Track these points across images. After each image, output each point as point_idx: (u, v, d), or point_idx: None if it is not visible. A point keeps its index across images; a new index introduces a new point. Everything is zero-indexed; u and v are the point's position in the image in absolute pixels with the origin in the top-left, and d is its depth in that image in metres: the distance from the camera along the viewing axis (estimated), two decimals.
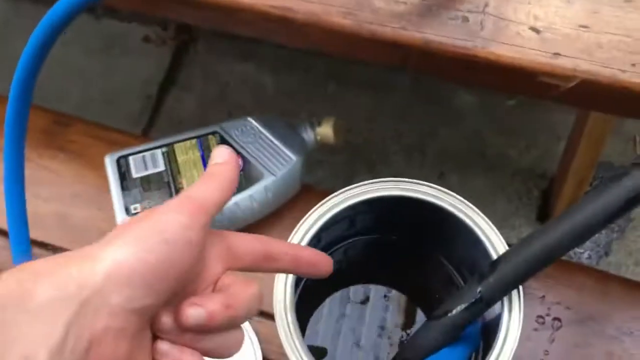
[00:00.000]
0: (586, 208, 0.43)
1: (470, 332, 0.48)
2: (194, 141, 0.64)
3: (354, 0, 0.56)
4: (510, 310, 0.45)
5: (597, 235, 1.16)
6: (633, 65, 0.53)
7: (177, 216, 0.34)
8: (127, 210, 0.61)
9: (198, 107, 1.37)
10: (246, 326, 0.57)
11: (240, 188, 0.61)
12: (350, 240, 0.55)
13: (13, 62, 0.49)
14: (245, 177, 0.62)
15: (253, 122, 0.65)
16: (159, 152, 0.64)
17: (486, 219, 0.48)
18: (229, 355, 0.36)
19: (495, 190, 1.27)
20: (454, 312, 0.45)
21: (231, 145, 0.64)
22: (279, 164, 0.63)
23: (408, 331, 0.55)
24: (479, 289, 0.44)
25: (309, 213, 0.48)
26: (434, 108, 1.34)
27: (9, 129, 0.50)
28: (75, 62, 1.41)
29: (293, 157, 0.63)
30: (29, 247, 0.54)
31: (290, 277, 0.46)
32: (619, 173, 0.43)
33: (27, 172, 0.53)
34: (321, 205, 0.48)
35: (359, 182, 0.49)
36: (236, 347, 0.36)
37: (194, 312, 0.33)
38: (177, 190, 0.62)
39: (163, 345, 0.34)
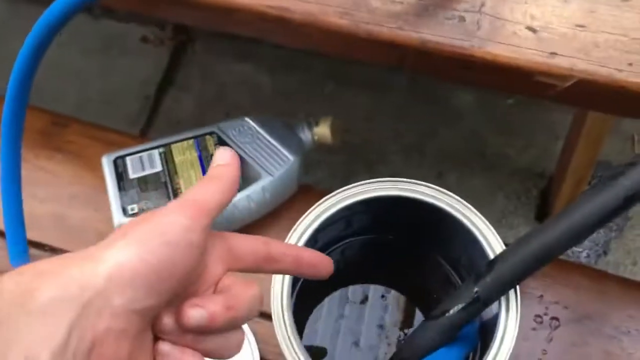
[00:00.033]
0: (583, 207, 0.43)
1: (468, 332, 0.48)
2: (191, 141, 0.64)
3: (350, 0, 0.56)
4: (507, 310, 0.45)
5: (595, 234, 1.17)
6: (630, 64, 0.53)
7: (178, 218, 0.34)
8: (124, 211, 0.61)
9: (196, 108, 1.37)
10: (244, 326, 0.57)
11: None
12: (347, 241, 0.55)
13: (10, 63, 0.49)
14: (243, 178, 0.62)
15: (250, 122, 0.65)
16: (156, 152, 0.64)
17: (483, 218, 0.48)
18: (230, 356, 0.36)
19: (493, 189, 1.27)
20: (451, 312, 0.45)
21: (229, 146, 0.64)
22: (276, 164, 0.63)
23: (407, 331, 0.55)
24: (476, 289, 0.44)
25: (306, 214, 0.48)
26: (433, 108, 1.34)
27: (5, 130, 0.50)
28: (73, 63, 1.41)
29: (290, 157, 0.63)
30: (26, 247, 0.54)
31: (287, 277, 0.46)
32: (617, 172, 0.43)
33: (24, 173, 0.53)
34: (318, 205, 0.48)
35: (357, 182, 0.49)
36: (237, 348, 0.36)
37: (195, 313, 0.33)
38: (174, 191, 0.62)
39: (164, 346, 0.34)
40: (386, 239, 0.55)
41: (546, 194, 1.26)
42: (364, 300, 0.56)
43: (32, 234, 0.55)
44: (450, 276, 0.54)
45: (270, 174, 0.62)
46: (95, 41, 1.45)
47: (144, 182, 0.62)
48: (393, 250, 0.56)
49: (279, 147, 0.64)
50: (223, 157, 0.39)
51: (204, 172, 0.63)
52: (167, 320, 0.34)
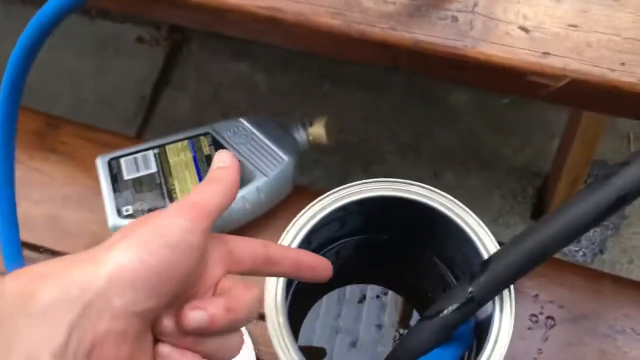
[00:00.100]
0: (577, 206, 0.43)
1: (463, 332, 0.48)
2: (185, 142, 0.64)
3: (342, 0, 0.56)
4: (501, 310, 0.45)
5: (591, 233, 1.17)
6: (622, 64, 0.53)
7: (178, 220, 0.34)
8: (119, 212, 0.61)
9: (192, 108, 1.37)
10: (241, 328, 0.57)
11: None
12: (342, 242, 0.55)
13: (2, 64, 0.49)
14: None
15: (245, 122, 0.65)
16: (150, 153, 0.64)
17: (477, 218, 0.48)
18: (229, 358, 0.36)
19: (490, 188, 1.27)
20: (446, 312, 0.45)
21: (223, 147, 0.64)
22: (270, 164, 0.63)
23: (404, 330, 0.55)
24: (470, 289, 0.44)
25: (299, 215, 0.48)
26: (429, 107, 1.34)
27: None
28: (68, 64, 1.41)
29: (285, 157, 0.63)
30: (20, 249, 0.54)
31: (281, 279, 0.46)
32: (611, 171, 0.43)
33: (18, 174, 0.53)
34: (311, 206, 0.48)
35: (353, 182, 0.49)
36: (236, 349, 0.36)
37: (195, 315, 0.33)
38: (169, 192, 0.62)
39: (164, 348, 0.34)
40: (380, 239, 0.55)
41: (542, 193, 1.26)
42: (362, 299, 0.56)
43: (25, 236, 0.55)
44: (445, 276, 0.54)
45: (265, 175, 0.62)
46: (90, 42, 1.44)
47: (139, 183, 0.62)
48: (388, 251, 0.56)
49: (274, 147, 0.64)
50: (223, 160, 0.39)
51: (198, 173, 0.63)
52: (167, 322, 0.34)
